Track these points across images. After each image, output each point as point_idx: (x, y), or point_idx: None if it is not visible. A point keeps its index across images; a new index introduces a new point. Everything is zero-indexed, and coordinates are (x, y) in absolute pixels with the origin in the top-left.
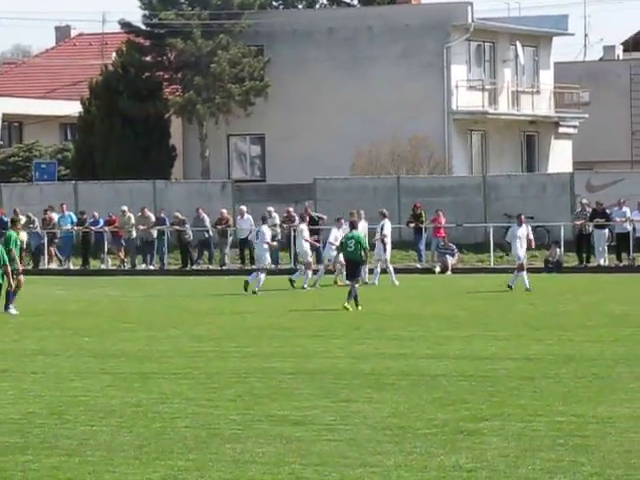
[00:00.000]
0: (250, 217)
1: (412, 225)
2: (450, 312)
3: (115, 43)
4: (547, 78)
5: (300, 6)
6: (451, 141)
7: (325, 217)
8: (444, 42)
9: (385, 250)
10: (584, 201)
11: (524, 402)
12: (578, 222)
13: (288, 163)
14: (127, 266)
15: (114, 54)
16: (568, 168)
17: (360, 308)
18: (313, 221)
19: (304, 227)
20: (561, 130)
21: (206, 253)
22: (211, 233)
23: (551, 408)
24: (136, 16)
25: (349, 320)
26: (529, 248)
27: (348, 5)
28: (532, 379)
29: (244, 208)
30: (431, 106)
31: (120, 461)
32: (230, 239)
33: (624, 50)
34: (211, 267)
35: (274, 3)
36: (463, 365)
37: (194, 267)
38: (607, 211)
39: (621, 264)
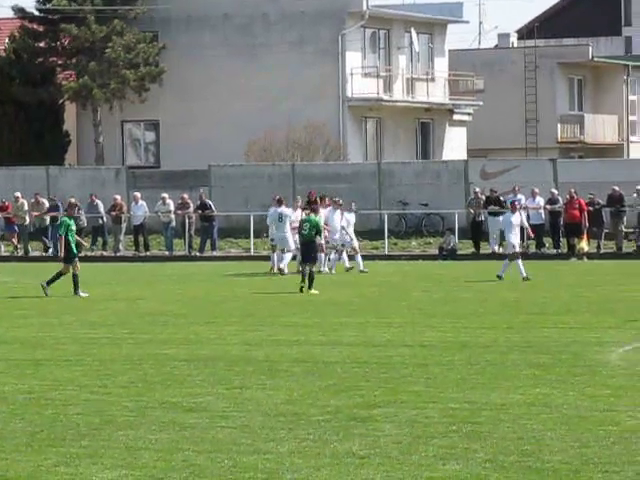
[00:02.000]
0: (144, 203)
1: (307, 212)
2: (344, 299)
3: (8, 29)
4: (442, 65)
5: None
6: (346, 128)
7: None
8: (339, 29)
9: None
10: (477, 189)
11: (418, 389)
12: (472, 209)
13: (183, 149)
14: (20, 252)
15: (7, 40)
16: (463, 155)
17: (314, 291)
18: (205, 208)
19: (294, 214)
20: (456, 117)
21: (100, 239)
22: (105, 219)
23: (444, 395)
24: (29, 2)
25: (243, 307)
26: (529, 237)
27: None
28: (426, 366)
29: (138, 194)
30: (326, 93)
31: (12, 448)
32: (124, 225)
33: (519, 38)
34: (105, 253)
35: None
36: (357, 352)
37: (88, 253)
38: (501, 198)
39: None
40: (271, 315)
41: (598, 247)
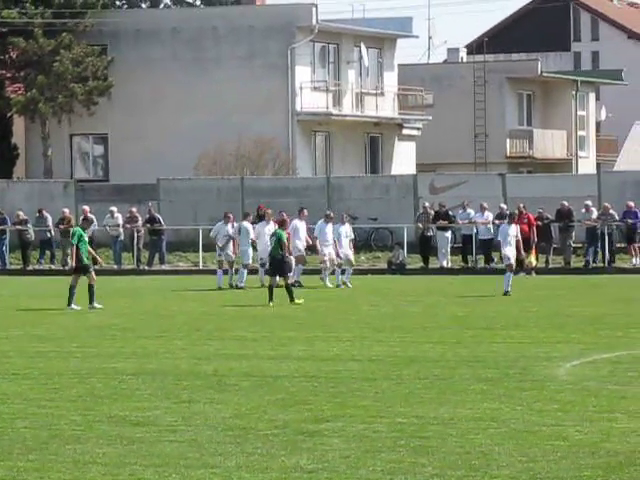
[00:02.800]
0: (93, 217)
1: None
2: (293, 313)
3: None
4: (391, 80)
5: (144, 5)
6: (295, 142)
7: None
8: (288, 43)
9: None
10: (426, 204)
11: (366, 403)
12: (421, 224)
13: (132, 163)
14: None
15: None
16: (412, 170)
17: (298, 301)
18: (154, 221)
19: (267, 227)
20: (405, 132)
21: (48, 253)
22: (53, 233)
23: (393, 409)
24: None
25: (191, 321)
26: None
27: (192, 5)
28: (374, 380)
29: (87, 208)
30: (276, 107)
31: None
32: None
33: (468, 53)
34: (53, 267)
35: (117, 2)
36: (305, 366)
37: (36, 267)
38: (450, 213)
39: (468, 266)
40: (220, 329)
41: (546, 262)
